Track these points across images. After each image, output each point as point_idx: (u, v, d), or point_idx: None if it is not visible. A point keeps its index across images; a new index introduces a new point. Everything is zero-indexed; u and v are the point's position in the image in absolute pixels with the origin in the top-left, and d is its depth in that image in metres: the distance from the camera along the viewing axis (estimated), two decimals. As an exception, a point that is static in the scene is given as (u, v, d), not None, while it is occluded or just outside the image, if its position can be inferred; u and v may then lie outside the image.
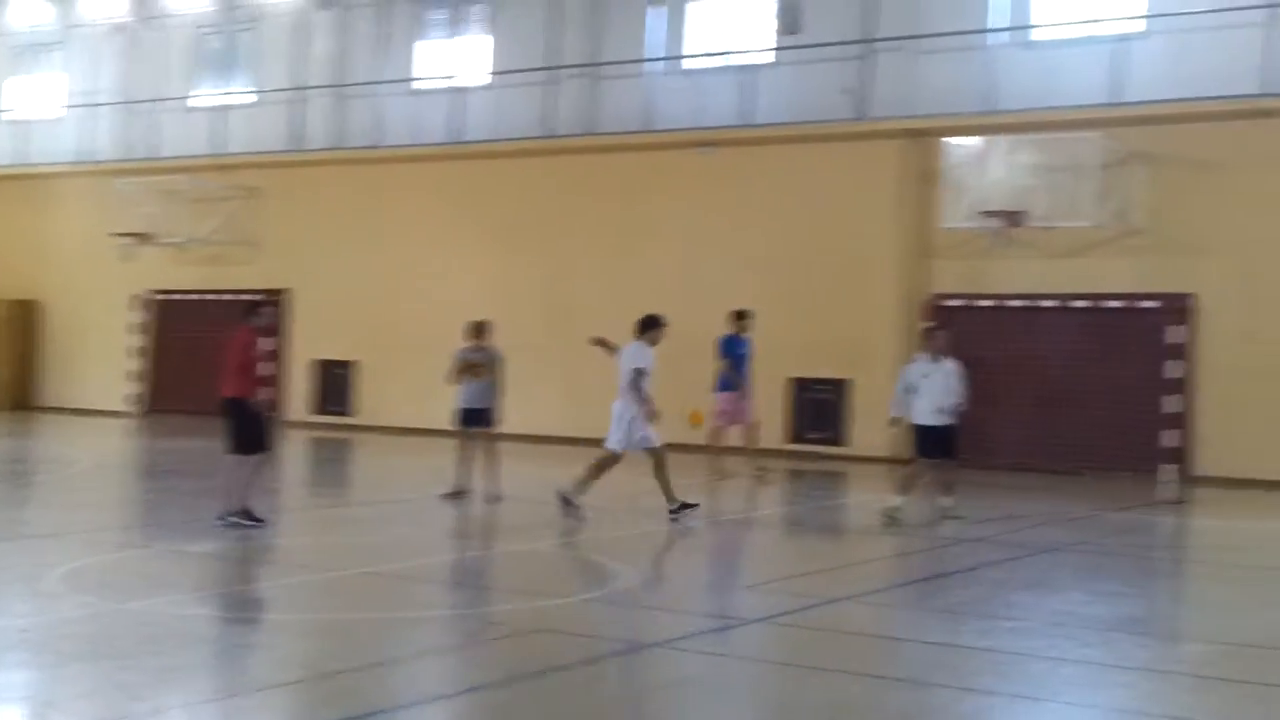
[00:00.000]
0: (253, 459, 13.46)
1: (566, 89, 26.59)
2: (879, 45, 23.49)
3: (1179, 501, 18.85)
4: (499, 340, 16.80)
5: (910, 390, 15.24)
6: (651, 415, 14.81)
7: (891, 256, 23.15)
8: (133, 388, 30.63)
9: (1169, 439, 20.69)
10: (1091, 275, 21.58)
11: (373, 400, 27.85)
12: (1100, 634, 9.84)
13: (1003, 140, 21.70)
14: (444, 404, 17.08)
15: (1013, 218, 21.39)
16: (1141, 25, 22.00)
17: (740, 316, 18.99)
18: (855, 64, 23.82)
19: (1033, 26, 23.09)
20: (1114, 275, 21.46)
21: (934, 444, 15.29)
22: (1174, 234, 21.06)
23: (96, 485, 18.75)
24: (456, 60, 28.17)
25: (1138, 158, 21.23)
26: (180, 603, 9.99)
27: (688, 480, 16.40)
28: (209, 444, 16.24)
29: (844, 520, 17.39)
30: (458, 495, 16.01)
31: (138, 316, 30.57)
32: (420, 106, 28.20)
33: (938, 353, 15.35)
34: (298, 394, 28.61)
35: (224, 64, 30.86)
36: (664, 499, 14.81)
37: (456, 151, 27.43)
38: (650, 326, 15.15)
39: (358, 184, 28.29)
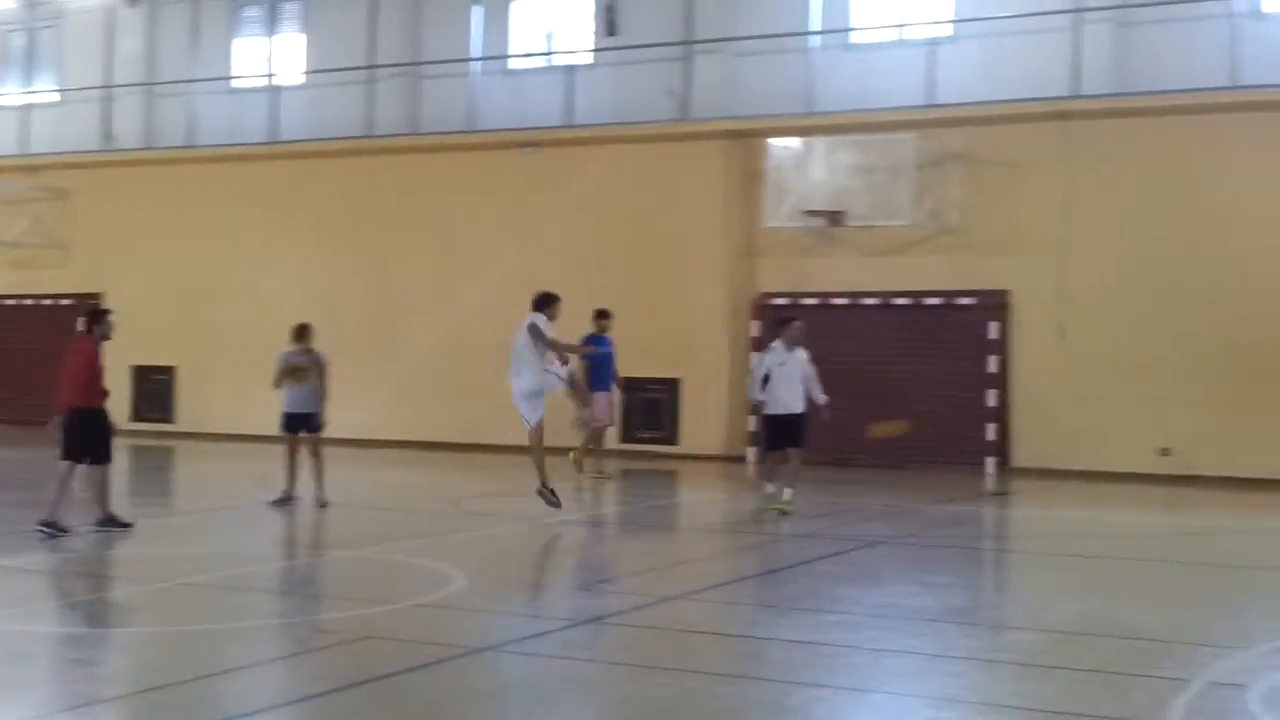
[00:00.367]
0: (102, 468, 13.62)
1: (386, 88, 26.30)
2: (700, 47, 23.71)
3: (1001, 493, 19.36)
4: (324, 343, 16.51)
5: (764, 379, 15.43)
6: (564, 355, 15.02)
7: (717, 256, 23.35)
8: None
9: (990, 433, 21.25)
10: (911, 273, 22.05)
11: (193, 406, 27.17)
12: (926, 625, 10.03)
13: (823, 141, 22.06)
14: (268, 409, 16.74)
15: (834, 217, 21.77)
16: (953, 30, 22.57)
17: (601, 316, 19.00)
18: (677, 65, 24.00)
19: (850, 29, 23.54)
20: (932, 273, 21.96)
21: (786, 433, 15.49)
22: (988, 232, 21.63)
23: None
24: (272, 58, 27.65)
25: (952, 158, 21.77)
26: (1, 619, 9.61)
27: (566, 482, 16.33)
28: (25, 454, 15.73)
29: (677, 519, 17.47)
30: (285, 502, 15.68)
31: (-60, 323, 29.38)
32: (236, 106, 27.62)
33: (792, 343, 15.60)
34: (114, 401, 27.66)
35: (27, 62, 29.84)
36: (535, 479, 14.91)
37: (274, 151, 26.94)
38: (549, 303, 15.14)
39: (172, 185, 27.56)
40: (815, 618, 10.20)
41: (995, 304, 21.50)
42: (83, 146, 28.58)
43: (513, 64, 25.93)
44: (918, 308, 21.90)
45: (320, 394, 15.99)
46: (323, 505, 15.59)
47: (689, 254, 23.43)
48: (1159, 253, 20.64)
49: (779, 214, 22.18)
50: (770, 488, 15.71)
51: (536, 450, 14.93)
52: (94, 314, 14.18)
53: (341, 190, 26.15)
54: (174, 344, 27.25)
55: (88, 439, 13.53)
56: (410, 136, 25.92)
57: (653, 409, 23.53)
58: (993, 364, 21.37)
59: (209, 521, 15.62)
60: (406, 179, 25.71)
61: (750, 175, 23.04)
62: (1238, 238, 20.24)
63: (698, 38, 23.71)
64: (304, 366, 15.97)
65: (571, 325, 18.85)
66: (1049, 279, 21.18)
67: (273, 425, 16.27)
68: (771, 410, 15.51)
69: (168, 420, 27.31)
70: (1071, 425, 20.98)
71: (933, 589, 11.63)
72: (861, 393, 22.13)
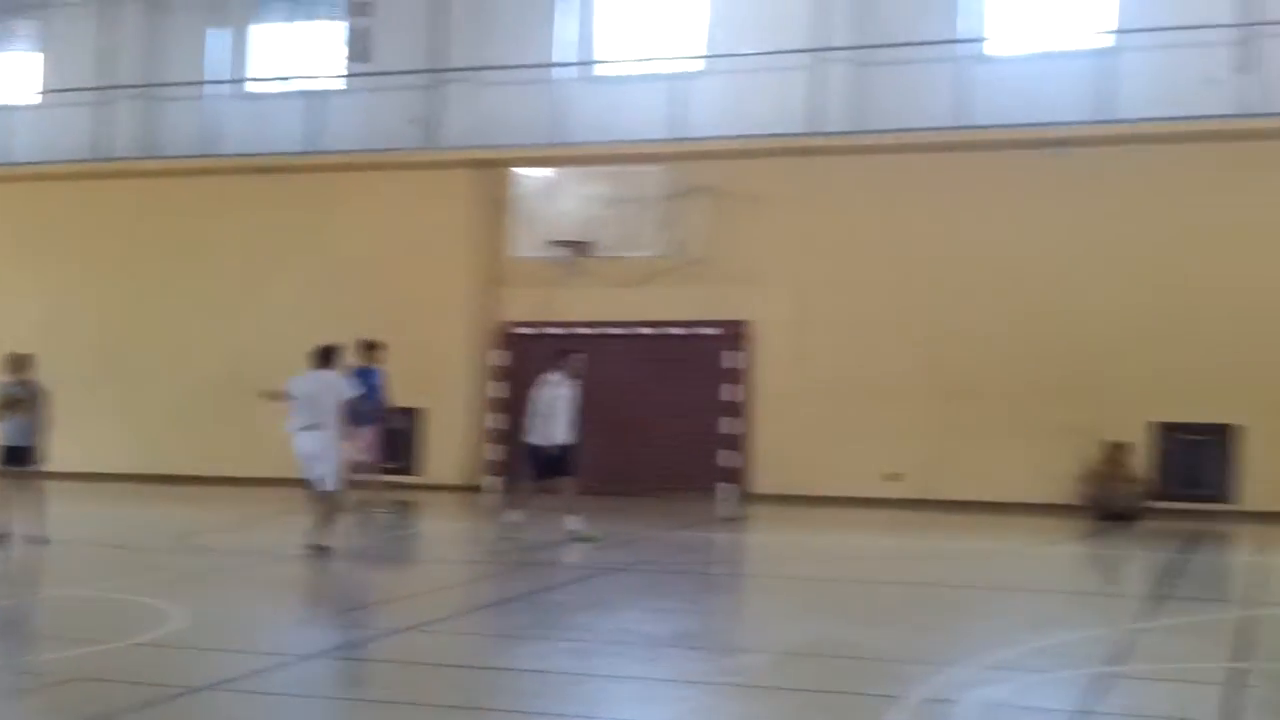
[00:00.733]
0: None
1: (122, 110, 25.44)
2: (448, 76, 23.61)
3: (737, 519, 19.69)
4: (54, 371, 15.78)
5: (538, 411, 15.51)
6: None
7: (463, 285, 23.24)
8: None
9: (728, 459, 21.61)
10: (655, 303, 22.32)
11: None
12: (656, 650, 10.09)
13: (570, 171, 22.18)
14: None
15: (580, 247, 21.88)
16: (700, 65, 23.01)
17: (370, 347, 18.47)
18: (425, 93, 23.84)
19: (597, 62, 23.78)
20: (676, 303, 22.27)
21: (556, 464, 15.56)
22: (731, 264, 22.05)
23: None
24: (5, 77, 26.50)
25: (697, 191, 22.12)
26: None
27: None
28: None
29: (414, 550, 17.25)
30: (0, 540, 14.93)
31: None
32: (-36, 126, 26.37)
33: (573, 375, 15.71)
34: None
35: None
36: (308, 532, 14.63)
37: (6, 174, 25.76)
38: (335, 355, 14.97)
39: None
40: (548, 646, 10.15)
41: (736, 334, 21.91)
42: None
43: (255, 88, 25.37)
44: (662, 338, 22.17)
45: (37, 426, 15.27)
46: (42, 542, 14.88)
47: (434, 283, 23.26)
48: (888, 285, 21.35)
49: (526, 244, 22.20)
50: (514, 516, 15.65)
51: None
52: None
53: (73, 214, 25.18)
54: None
55: None
56: (147, 160, 25.12)
57: (395, 439, 23.16)
58: (733, 392, 21.76)
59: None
60: (144, 203, 24.90)
61: (497, 205, 23.02)
62: (956, 269, 21.07)
63: (446, 66, 23.60)
64: (20, 398, 15.24)
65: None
66: (787, 309, 21.69)
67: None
68: (542, 441, 15.51)
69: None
70: (807, 452, 21.50)
71: (665, 614, 11.72)
72: (605, 422, 22.27)
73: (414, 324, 23.12)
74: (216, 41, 25.12)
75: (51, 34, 26.26)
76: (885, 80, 22.15)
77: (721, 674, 9.53)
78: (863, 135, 21.80)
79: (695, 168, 22.13)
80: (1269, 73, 20.10)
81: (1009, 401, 20.67)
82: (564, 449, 15.59)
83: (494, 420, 22.84)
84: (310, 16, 25.25)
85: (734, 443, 21.69)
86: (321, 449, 14.58)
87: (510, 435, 22.77)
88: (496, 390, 22.88)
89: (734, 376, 21.79)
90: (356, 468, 18.33)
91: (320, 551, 14.61)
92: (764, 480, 21.79)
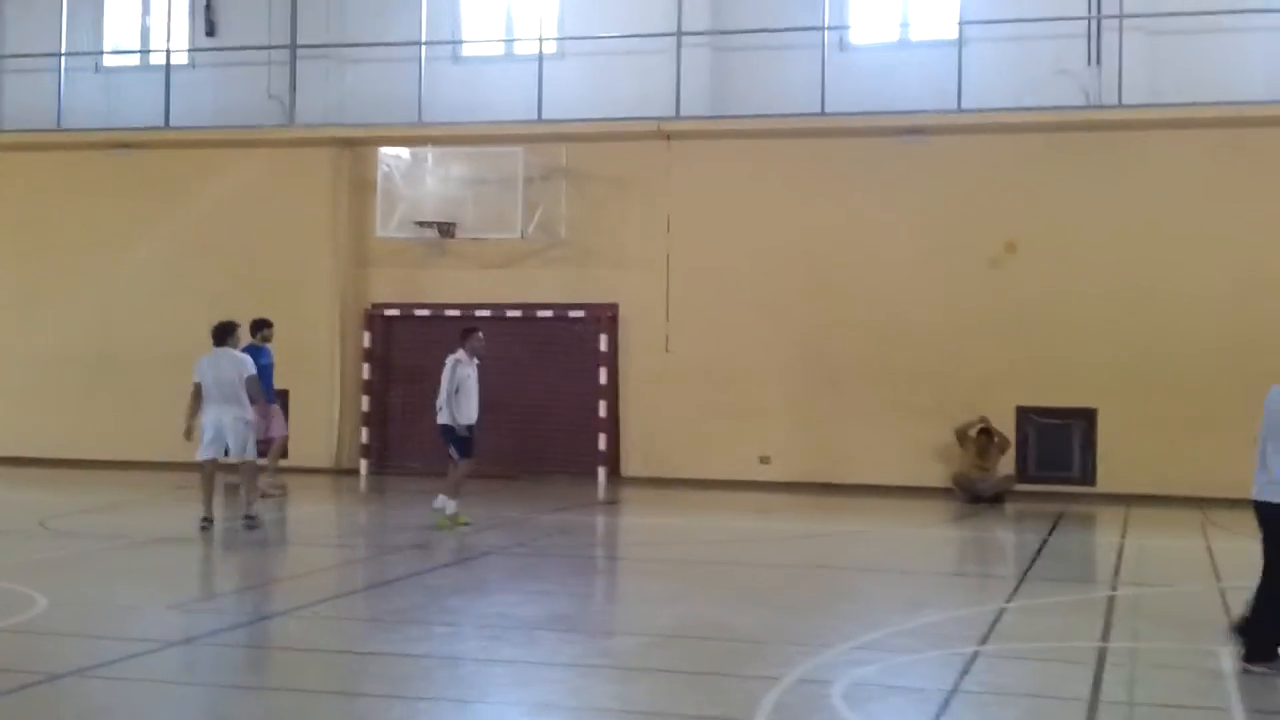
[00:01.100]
0: None
1: (-31, 82, 24.61)
2: (306, 52, 23.18)
3: (611, 502, 19.73)
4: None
5: (456, 391, 15.49)
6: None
7: (326, 266, 22.89)
8: None
9: (601, 443, 21.61)
10: (523, 285, 22.20)
11: None
12: (529, 633, 10.09)
13: (433, 151, 21.95)
14: None
15: (445, 228, 21.68)
16: (561, 47, 22.92)
17: (261, 326, 18.36)
18: (282, 69, 23.42)
19: (460, 42, 23.57)
20: (544, 285, 22.18)
21: (471, 444, 15.63)
22: (597, 246, 22.02)
23: None
24: None
25: (560, 173, 22.06)
26: None
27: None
28: None
29: (284, 534, 16.94)
30: None
31: None
32: None
33: (474, 354, 15.75)
34: None
35: None
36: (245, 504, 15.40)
37: None
38: (233, 332, 15.69)
39: None
40: (422, 630, 10.08)
41: (605, 316, 21.90)
42: None
43: (110, 61, 24.71)
44: (530, 320, 22.05)
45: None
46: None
47: (297, 263, 22.86)
48: (754, 269, 21.48)
49: (390, 224, 21.92)
50: (449, 504, 15.57)
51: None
52: None
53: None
54: None
55: None
56: (-5, 134, 24.36)
57: (258, 422, 22.82)
58: (603, 375, 21.75)
59: None
60: (-9, 178, 24.11)
61: (360, 184, 22.70)
62: (819, 253, 21.28)
63: (302, 42, 23.19)
64: None
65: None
66: (655, 292, 21.74)
67: None
68: (466, 421, 15.60)
69: None
70: (679, 435, 21.57)
71: (539, 597, 11.71)
72: (481, 404, 22.15)
73: (277, 305, 22.62)
74: (69, 12, 24.35)
75: (-111, 1, 25.29)
76: (745, 66, 22.27)
77: (597, 656, 9.57)
78: (724, 120, 21.88)
79: (559, 149, 22.02)
80: (1118, 65, 20.56)
81: (878, 386, 20.94)
82: (470, 429, 15.66)
83: (366, 404, 22.57)
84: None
85: (606, 426, 21.68)
86: (232, 423, 15.19)
87: (372, 418, 22.58)
88: (366, 373, 22.60)
89: (604, 359, 21.77)
90: (267, 444, 18.14)
91: (252, 521, 15.18)
92: (636, 463, 21.80)
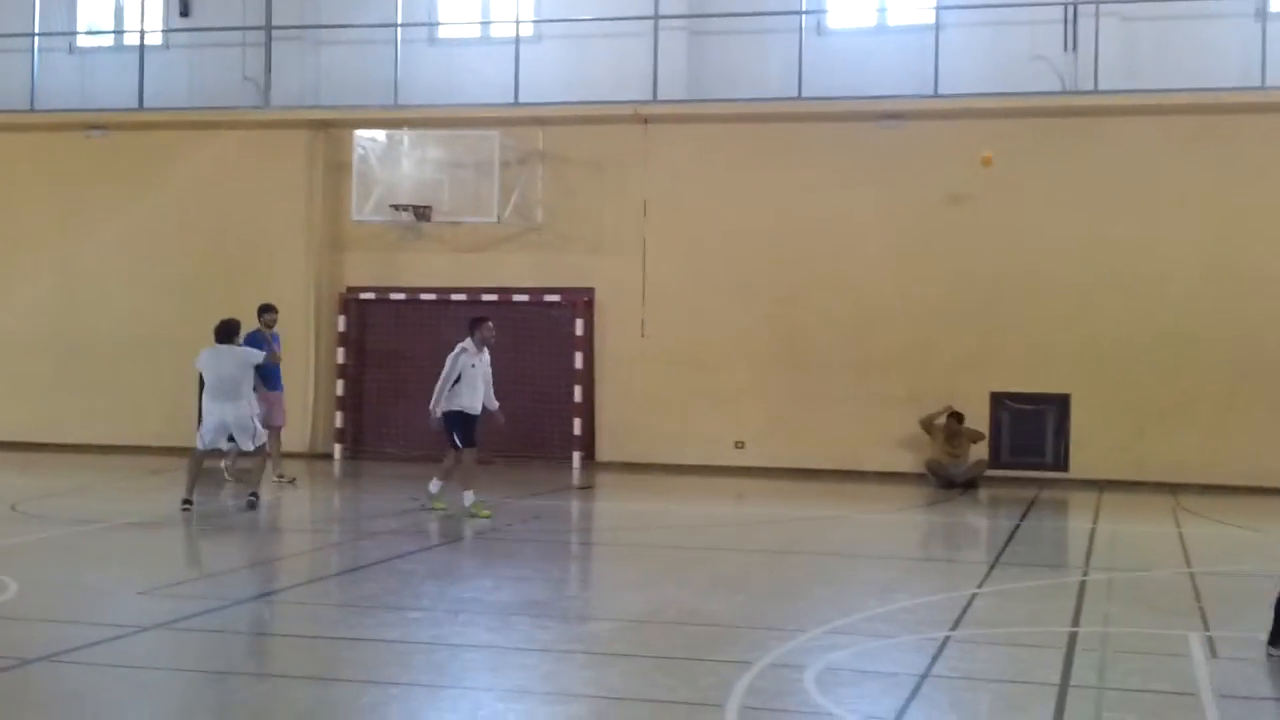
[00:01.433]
0: None
1: (-60, 62, 24.39)
2: (281, 33, 23.06)
3: (586, 487, 19.72)
4: None
5: (458, 379, 15.24)
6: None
7: (301, 249, 22.81)
8: None
9: (577, 428, 21.60)
10: (499, 269, 22.17)
11: None
12: (504, 618, 10.08)
13: (409, 134, 21.88)
14: None
15: (421, 212, 21.62)
16: (537, 30, 22.84)
17: (266, 311, 18.06)
18: (256, 51, 23.29)
19: (437, 24, 23.47)
20: (520, 270, 22.15)
21: (473, 432, 15.43)
22: (573, 230, 22.00)
23: None
24: None
25: (536, 156, 22.01)
26: None
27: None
28: None
29: (257, 519, 16.86)
30: None
31: None
32: None
33: (483, 344, 15.49)
34: None
35: None
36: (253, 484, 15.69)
37: None
38: (236, 331, 15.78)
39: None
40: (396, 615, 10.06)
41: (581, 301, 21.88)
42: None
43: (84, 42, 24.54)
44: (506, 304, 21.99)
45: None
46: None
47: (272, 246, 22.78)
48: (730, 253, 21.49)
49: (365, 207, 21.85)
50: (470, 494, 15.46)
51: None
52: None
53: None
54: None
55: None
56: (-33, 114, 24.15)
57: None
58: (579, 360, 21.73)
59: None
60: (-37, 159, 23.93)
61: (336, 167, 22.62)
62: (795, 238, 21.29)
63: (277, 24, 23.06)
64: None
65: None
66: (631, 277, 21.72)
67: None
68: (471, 410, 15.35)
69: None
70: (654, 420, 21.59)
71: (513, 582, 11.70)
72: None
73: (252, 289, 22.53)
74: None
75: None
76: (721, 50, 22.23)
77: (570, 641, 9.56)
78: (701, 104, 21.86)
79: (535, 133, 21.99)
80: (1094, 50, 20.60)
81: (853, 370, 20.99)
82: (474, 419, 15.50)
83: (341, 387, 22.50)
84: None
85: (581, 411, 21.67)
86: (235, 420, 15.27)
87: (347, 402, 22.52)
88: (340, 357, 22.53)
89: (580, 344, 21.75)
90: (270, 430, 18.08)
91: (256, 501, 15.42)
92: (611, 448, 21.81)
